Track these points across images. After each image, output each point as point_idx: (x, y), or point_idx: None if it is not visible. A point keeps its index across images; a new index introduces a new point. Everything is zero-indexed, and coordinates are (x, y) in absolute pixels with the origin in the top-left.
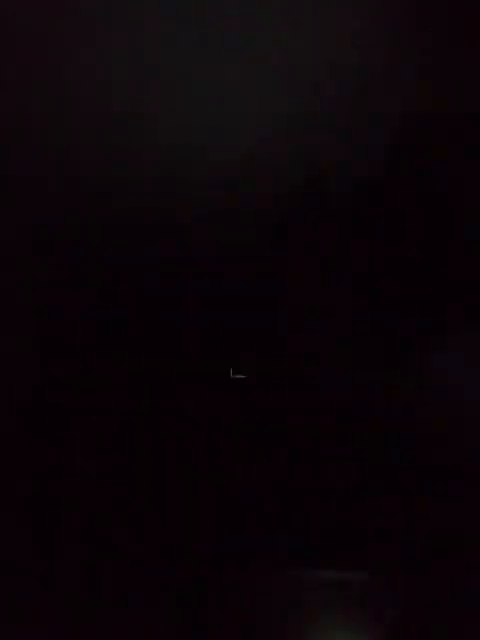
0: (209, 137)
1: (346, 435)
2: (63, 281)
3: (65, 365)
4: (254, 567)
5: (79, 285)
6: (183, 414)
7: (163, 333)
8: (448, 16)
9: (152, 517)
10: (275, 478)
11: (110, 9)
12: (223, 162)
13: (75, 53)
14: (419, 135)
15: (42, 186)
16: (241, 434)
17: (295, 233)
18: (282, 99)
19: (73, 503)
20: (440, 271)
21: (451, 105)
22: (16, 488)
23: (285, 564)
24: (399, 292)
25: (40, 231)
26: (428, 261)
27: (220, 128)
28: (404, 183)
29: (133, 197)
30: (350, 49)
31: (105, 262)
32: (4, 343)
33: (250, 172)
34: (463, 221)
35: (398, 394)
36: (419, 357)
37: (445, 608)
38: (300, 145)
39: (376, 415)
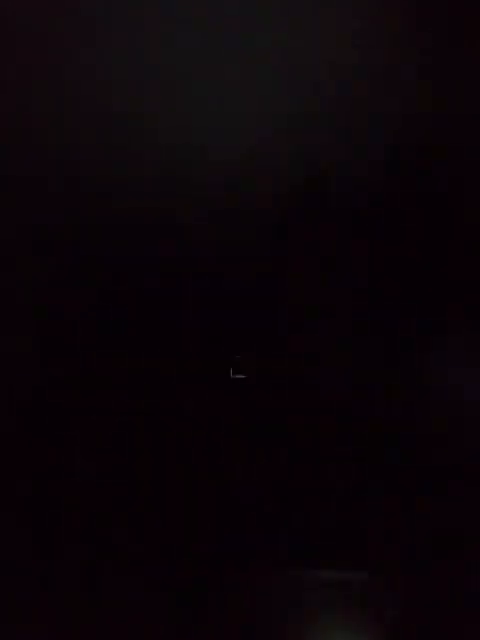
0: (209, 137)
1: (346, 435)
2: (63, 281)
3: (65, 365)
4: (254, 567)
5: (79, 285)
6: (183, 414)
7: (163, 333)
8: (448, 16)
9: (152, 517)
10: (275, 478)
11: (110, 9)
12: (223, 162)
13: (75, 53)
14: (419, 135)
15: (42, 186)
16: (241, 434)
17: (295, 233)
18: (282, 99)
19: (73, 503)
20: (440, 271)
21: (451, 105)
22: (16, 488)
23: (285, 564)
24: (399, 292)
25: (40, 231)
26: (428, 261)
27: (220, 128)
28: (404, 183)
29: (133, 197)
30: (350, 49)
31: (105, 262)
32: (4, 343)
33: (250, 172)
34: (463, 221)
35: (398, 394)
36: (419, 357)
37: (445, 608)
38: (300, 145)
39: (376, 415)
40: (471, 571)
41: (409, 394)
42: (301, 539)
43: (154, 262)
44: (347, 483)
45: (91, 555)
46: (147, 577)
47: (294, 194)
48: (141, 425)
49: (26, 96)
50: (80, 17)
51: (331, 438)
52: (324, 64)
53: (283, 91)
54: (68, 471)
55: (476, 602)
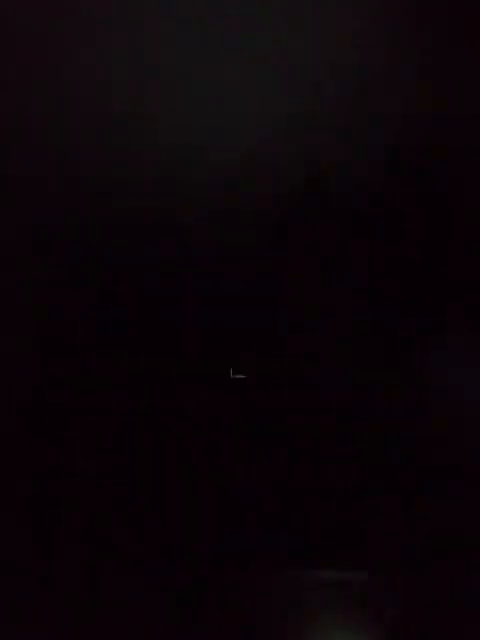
0: (209, 137)
1: (346, 435)
2: (63, 281)
3: (65, 365)
4: (254, 567)
5: (79, 285)
6: (183, 414)
7: (163, 333)
8: (448, 16)
9: (152, 517)
10: (275, 478)
11: (110, 9)
12: (223, 162)
13: (75, 53)
14: (419, 135)
15: (42, 186)
16: (241, 434)
17: (295, 233)
18: (282, 99)
19: (73, 503)
20: (440, 271)
21: (451, 105)
22: (16, 488)
23: (285, 564)
24: (399, 292)
25: (40, 231)
26: (428, 261)
27: (220, 128)
28: (404, 183)
29: (133, 197)
30: (350, 49)
31: (105, 262)
32: (4, 343)
33: (250, 172)
34: (463, 221)
35: (398, 394)
36: (419, 357)
37: (445, 608)
38: (300, 145)
39: (376, 415)
40: (471, 571)
41: (409, 394)
42: (301, 539)
43: (154, 262)
44: (347, 483)
45: (91, 555)
46: (147, 577)
47: (294, 194)
48: (141, 425)
49: (26, 96)
50: (80, 17)
51: (331, 438)
52: (324, 64)
53: (283, 91)
54: (68, 471)
55: (476, 602)
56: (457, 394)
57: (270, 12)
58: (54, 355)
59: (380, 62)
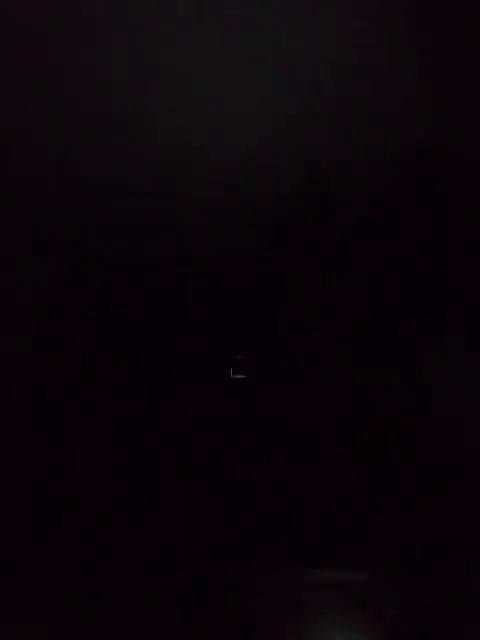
0: (209, 137)
1: (346, 435)
2: (63, 281)
3: (65, 365)
4: (254, 567)
5: (79, 285)
6: (183, 414)
7: (163, 333)
8: (448, 16)
9: (152, 517)
10: (275, 478)
11: (110, 9)
12: (223, 162)
13: (75, 53)
14: (419, 135)
15: (42, 186)
16: (241, 434)
17: (295, 233)
18: (282, 99)
19: (73, 503)
20: (440, 271)
21: (451, 105)
22: (16, 488)
23: (285, 564)
24: (399, 292)
25: (40, 231)
26: (428, 261)
27: (220, 128)
28: (404, 183)
29: (133, 197)
30: (350, 49)
31: (105, 262)
32: (4, 343)
33: (250, 172)
34: (463, 221)
35: (398, 394)
36: (419, 357)
37: (445, 608)
38: (300, 145)
39: (376, 415)
40: (471, 571)
41: (409, 394)
42: (301, 539)
43: (154, 262)
44: (347, 483)
45: (91, 555)
46: (147, 577)
47: (294, 194)
48: (141, 425)
49: (26, 96)
50: (80, 17)
51: (331, 438)
52: (324, 64)
53: (283, 91)
54: (68, 471)
55: (476, 602)
56: (457, 394)
57: (270, 12)
58: (54, 355)
59: (380, 62)
